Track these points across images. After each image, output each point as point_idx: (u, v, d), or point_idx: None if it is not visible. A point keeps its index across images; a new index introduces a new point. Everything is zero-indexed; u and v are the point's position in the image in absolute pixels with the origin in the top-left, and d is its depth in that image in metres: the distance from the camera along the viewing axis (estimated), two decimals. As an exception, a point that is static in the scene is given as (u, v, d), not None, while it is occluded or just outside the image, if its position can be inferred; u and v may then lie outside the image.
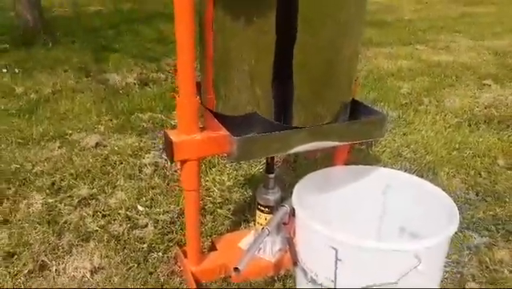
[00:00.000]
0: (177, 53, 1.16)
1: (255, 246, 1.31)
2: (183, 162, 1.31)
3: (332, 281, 1.13)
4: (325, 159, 2.19)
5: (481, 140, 2.54)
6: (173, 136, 1.26)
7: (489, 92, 3.38)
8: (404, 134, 2.61)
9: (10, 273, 1.49)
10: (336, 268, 1.11)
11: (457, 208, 1.18)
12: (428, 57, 4.42)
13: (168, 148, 1.27)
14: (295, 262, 1.25)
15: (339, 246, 1.08)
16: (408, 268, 1.04)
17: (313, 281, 1.18)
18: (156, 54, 4.27)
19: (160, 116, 2.82)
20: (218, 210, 1.87)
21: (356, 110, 1.36)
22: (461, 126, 2.74)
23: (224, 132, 1.20)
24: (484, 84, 3.55)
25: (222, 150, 1.25)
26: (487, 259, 1.58)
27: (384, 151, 2.39)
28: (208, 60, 1.25)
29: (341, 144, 1.40)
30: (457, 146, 2.45)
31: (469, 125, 2.74)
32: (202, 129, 1.29)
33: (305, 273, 1.21)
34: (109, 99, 3.08)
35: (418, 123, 2.76)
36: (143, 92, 3.27)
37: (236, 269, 1.21)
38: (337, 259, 1.10)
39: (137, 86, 3.40)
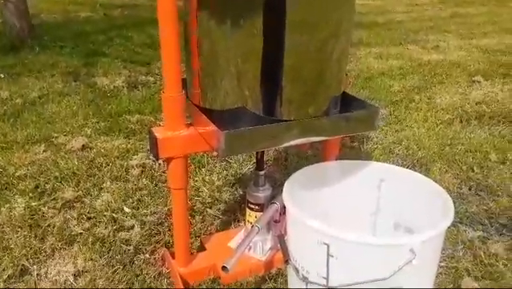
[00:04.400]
0: (161, 47, 1.13)
1: (245, 244, 1.27)
2: (169, 160, 1.27)
3: (324, 278, 1.09)
4: (316, 155, 2.16)
5: (472, 135, 2.52)
6: (158, 132, 1.22)
7: (480, 89, 3.38)
8: (396, 131, 2.59)
9: (-12, 279, 1.43)
10: (328, 264, 1.07)
11: (451, 200, 1.15)
12: (418, 56, 4.43)
13: (153, 145, 1.23)
14: (287, 260, 1.21)
15: (330, 241, 1.04)
16: (403, 263, 1.01)
17: (305, 279, 1.13)
18: (146, 58, 4.22)
19: (148, 117, 2.77)
20: (208, 210, 1.82)
21: (349, 104, 1.32)
22: (452, 122, 2.72)
23: (211, 127, 1.16)
24: (474, 81, 3.55)
25: (210, 146, 1.21)
26: (481, 253, 1.56)
27: (375, 148, 2.36)
28: (193, 56, 1.21)
29: (332, 137, 1.38)
30: (448, 142, 2.43)
31: (461, 121, 2.73)
32: (189, 126, 1.26)
33: (297, 271, 1.16)
34: (97, 102, 3.02)
35: (409, 120, 2.75)
36: (131, 95, 3.21)
37: (224, 268, 1.16)
38: (329, 255, 1.06)
39: (126, 89, 3.35)
